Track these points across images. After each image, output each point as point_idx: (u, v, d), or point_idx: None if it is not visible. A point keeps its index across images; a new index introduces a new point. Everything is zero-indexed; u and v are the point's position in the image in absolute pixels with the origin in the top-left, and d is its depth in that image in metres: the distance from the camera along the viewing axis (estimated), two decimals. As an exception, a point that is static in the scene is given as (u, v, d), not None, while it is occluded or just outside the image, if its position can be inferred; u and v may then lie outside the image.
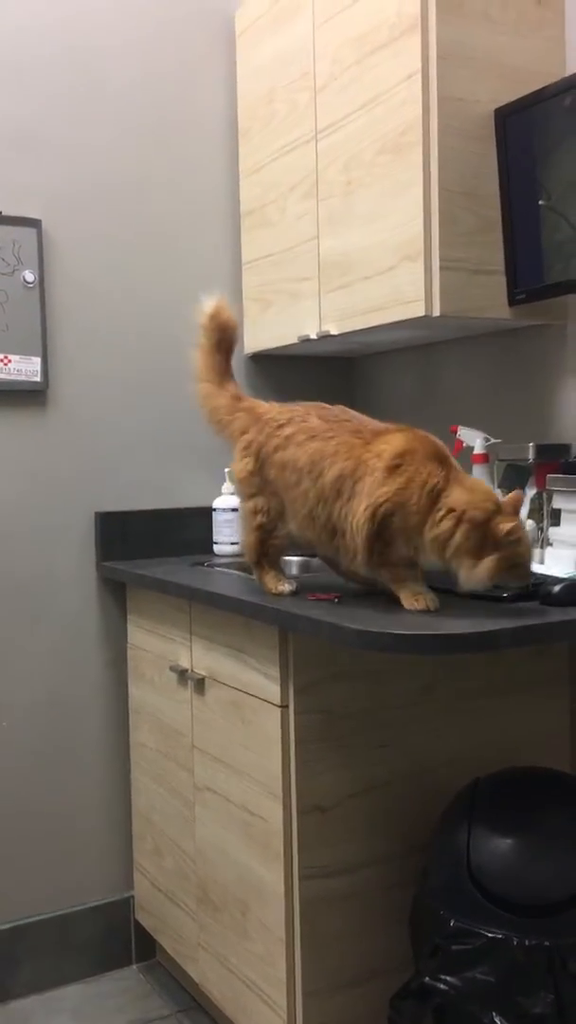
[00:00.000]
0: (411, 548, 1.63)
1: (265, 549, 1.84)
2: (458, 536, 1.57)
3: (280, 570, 1.87)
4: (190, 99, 2.58)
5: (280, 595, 1.82)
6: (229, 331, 1.89)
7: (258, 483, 1.82)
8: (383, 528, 1.63)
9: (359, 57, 2.09)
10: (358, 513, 1.65)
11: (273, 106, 2.42)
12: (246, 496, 1.85)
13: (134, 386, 2.54)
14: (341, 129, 2.17)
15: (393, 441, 1.66)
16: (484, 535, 1.56)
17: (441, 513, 1.58)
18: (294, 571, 2.43)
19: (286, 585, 1.84)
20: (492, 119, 1.98)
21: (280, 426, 1.80)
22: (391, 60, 2.00)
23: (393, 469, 1.62)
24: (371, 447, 1.68)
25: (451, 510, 1.58)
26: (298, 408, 1.82)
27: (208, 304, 1.88)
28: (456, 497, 1.58)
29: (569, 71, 2.02)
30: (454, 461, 1.65)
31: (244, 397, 1.90)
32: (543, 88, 1.90)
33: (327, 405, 1.81)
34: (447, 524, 1.58)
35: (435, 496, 1.59)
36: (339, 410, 1.79)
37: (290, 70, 2.34)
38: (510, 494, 1.64)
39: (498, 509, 1.59)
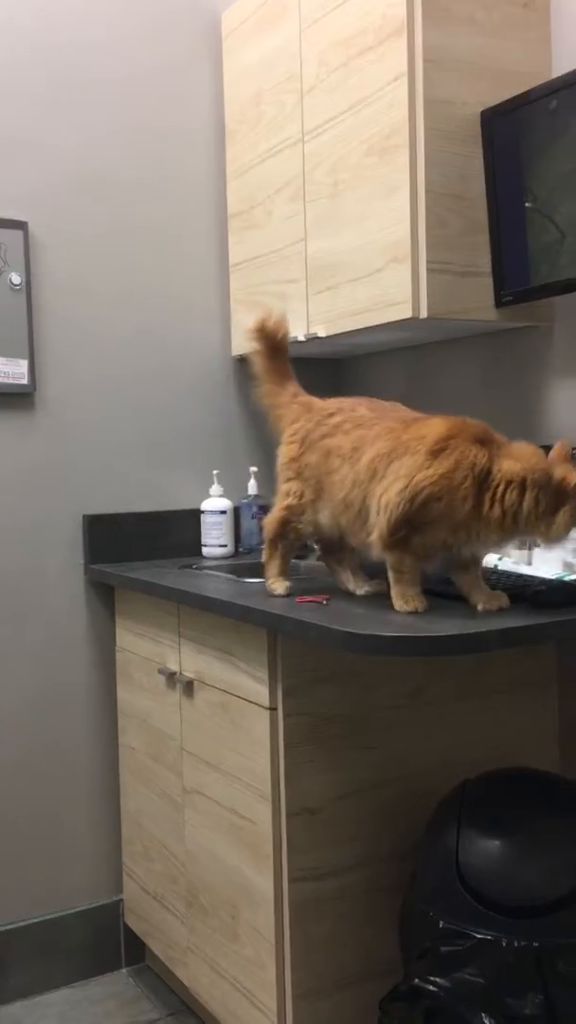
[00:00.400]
0: (455, 536, 1.60)
1: (285, 531, 1.84)
2: (527, 503, 1.56)
3: (285, 566, 1.87)
4: (177, 100, 2.58)
5: (271, 593, 1.82)
6: (277, 338, 1.91)
7: (297, 468, 1.83)
8: (422, 513, 1.59)
9: (345, 60, 2.09)
10: (391, 492, 1.61)
11: (260, 108, 2.42)
12: (283, 480, 1.86)
13: (122, 388, 2.54)
14: (328, 131, 2.17)
15: (436, 424, 1.64)
16: (550, 493, 1.56)
17: (501, 488, 1.56)
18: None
19: (280, 586, 1.85)
20: (478, 121, 1.99)
21: (330, 415, 1.81)
22: (377, 63, 2.00)
23: (438, 452, 1.60)
24: (411, 429, 1.66)
25: (510, 482, 1.56)
26: (348, 400, 1.83)
27: (254, 320, 1.91)
28: (508, 468, 1.57)
29: (555, 73, 2.02)
30: (498, 436, 1.63)
31: (302, 393, 1.92)
32: (529, 91, 1.91)
33: (377, 399, 1.83)
34: (513, 496, 1.56)
35: (483, 478, 1.57)
36: (390, 404, 1.79)
37: (277, 72, 2.34)
38: (556, 445, 1.63)
39: (552, 464, 1.59)
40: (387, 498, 1.63)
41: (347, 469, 1.72)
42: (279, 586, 1.85)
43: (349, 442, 1.73)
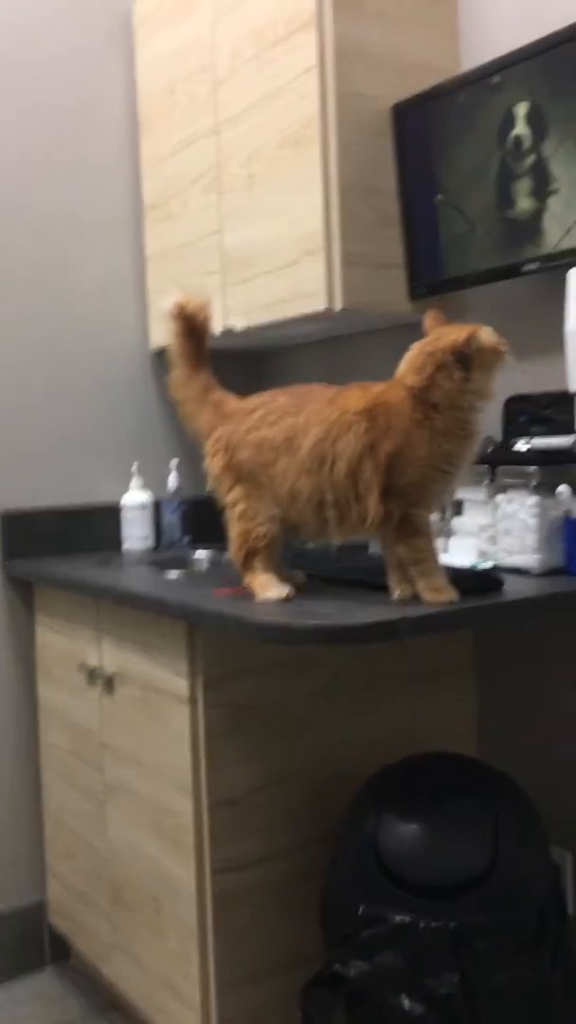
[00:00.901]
0: (436, 473, 1.59)
1: (252, 544, 1.71)
2: (452, 382, 1.57)
3: (272, 573, 1.71)
4: (88, 90, 2.55)
5: (265, 603, 1.66)
6: (197, 320, 1.81)
7: (235, 474, 1.73)
8: (394, 474, 1.59)
9: (257, 51, 2.09)
10: (366, 472, 1.61)
11: (174, 98, 2.41)
12: (225, 492, 1.75)
13: (39, 382, 2.50)
14: (242, 122, 2.17)
15: (354, 395, 1.65)
16: (458, 360, 1.57)
17: (430, 391, 1.57)
18: (204, 565, 2.43)
19: (273, 591, 1.68)
20: (390, 115, 2.00)
21: (250, 412, 1.74)
22: (289, 55, 2.00)
23: (370, 412, 1.62)
24: (336, 404, 1.66)
25: (429, 379, 1.58)
26: (264, 394, 1.77)
27: (173, 300, 1.80)
28: (426, 371, 1.59)
29: (464, 67, 2.05)
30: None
31: (214, 388, 1.82)
32: (438, 84, 1.93)
33: (294, 386, 1.78)
34: (448, 384, 1.57)
35: (416, 399, 1.58)
36: (305, 388, 1.75)
37: (189, 62, 2.33)
38: (427, 317, 1.66)
39: (438, 337, 1.61)
40: (365, 481, 1.62)
41: (285, 460, 1.68)
42: (269, 592, 1.68)
43: (279, 433, 1.69)
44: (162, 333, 2.55)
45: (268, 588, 1.69)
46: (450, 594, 1.58)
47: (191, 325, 1.82)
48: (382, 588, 1.68)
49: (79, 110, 2.54)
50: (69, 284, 2.54)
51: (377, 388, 1.65)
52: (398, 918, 1.51)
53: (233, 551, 1.74)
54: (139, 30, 2.54)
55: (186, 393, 1.83)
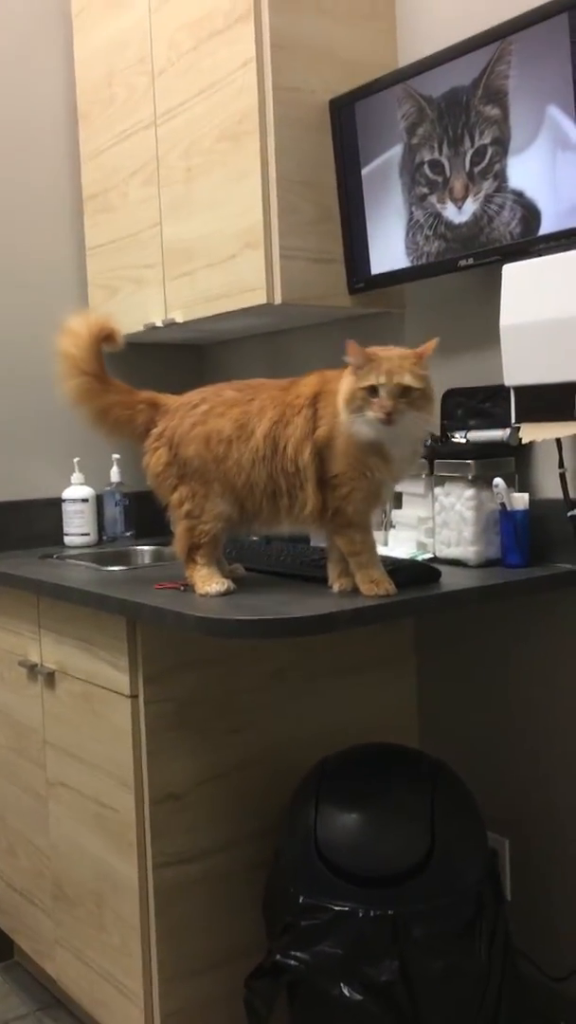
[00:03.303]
0: (371, 462, 1.59)
1: (195, 540, 1.71)
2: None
3: (215, 567, 1.72)
4: (24, 81, 2.51)
5: (206, 597, 1.67)
6: (101, 336, 1.79)
7: (178, 471, 1.71)
8: (325, 464, 1.60)
9: (195, 43, 2.08)
10: (304, 456, 1.62)
11: (112, 90, 2.39)
12: (169, 491, 1.73)
13: (-24, 375, 2.47)
14: (180, 115, 2.16)
15: (309, 381, 1.67)
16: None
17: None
18: (146, 560, 2.42)
19: (214, 585, 1.68)
20: (328, 109, 2.01)
21: (194, 406, 1.72)
22: (227, 47, 2.00)
23: (315, 398, 1.63)
24: (291, 389, 1.67)
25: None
26: (207, 388, 1.75)
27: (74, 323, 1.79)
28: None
29: (401, 63, 2.06)
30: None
31: (134, 390, 1.80)
32: (375, 80, 1.94)
33: (239, 380, 1.78)
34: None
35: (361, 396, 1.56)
36: (256, 382, 1.75)
37: (127, 54, 2.31)
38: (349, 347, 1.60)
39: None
40: (303, 468, 1.62)
41: (239, 449, 1.66)
42: (210, 587, 1.68)
43: (229, 423, 1.68)
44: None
45: (209, 582, 1.69)
46: (387, 586, 1.60)
47: (98, 341, 1.79)
48: (322, 581, 1.70)
49: (17, 101, 2.50)
50: (8, 275, 2.51)
51: (331, 374, 1.66)
52: (337, 907, 1.53)
53: (177, 546, 1.74)
54: (77, 20, 2.51)
55: (107, 400, 1.79)
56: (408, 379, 1.53)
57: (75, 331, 1.78)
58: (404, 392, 1.53)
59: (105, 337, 1.79)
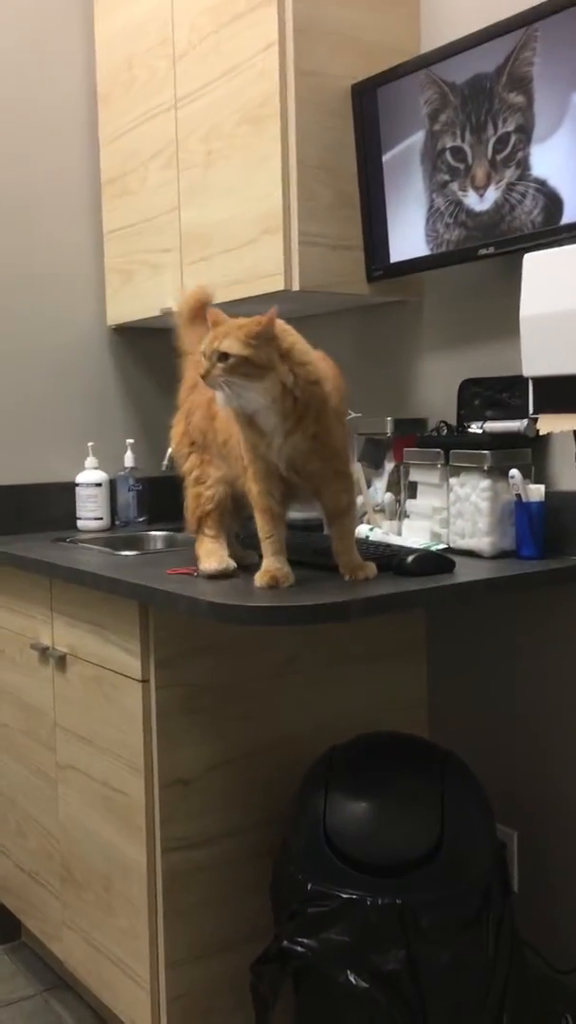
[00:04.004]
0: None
1: (203, 507, 1.71)
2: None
3: (221, 543, 1.71)
4: (46, 65, 2.50)
5: (206, 574, 1.67)
6: (201, 306, 1.81)
7: (188, 440, 1.76)
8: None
9: (217, 26, 2.07)
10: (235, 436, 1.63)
11: (132, 72, 2.37)
12: (183, 460, 1.76)
13: (-8, 358, 2.47)
14: (201, 98, 2.15)
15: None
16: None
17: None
18: (159, 545, 2.42)
19: (213, 563, 1.67)
20: (349, 94, 1.99)
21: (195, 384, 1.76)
22: (248, 30, 1.98)
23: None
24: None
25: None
26: None
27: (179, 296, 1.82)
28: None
29: (424, 49, 2.05)
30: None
31: None
32: (398, 65, 1.93)
33: None
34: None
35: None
36: None
37: (148, 37, 2.30)
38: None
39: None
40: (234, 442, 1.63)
41: (218, 427, 1.71)
42: (209, 564, 1.68)
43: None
44: (119, 310, 2.54)
45: (210, 559, 1.70)
46: (268, 580, 1.58)
47: (197, 312, 1.82)
48: (334, 569, 1.69)
49: (37, 83, 2.50)
50: (26, 259, 2.50)
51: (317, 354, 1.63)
52: (345, 895, 1.53)
53: (187, 517, 1.76)
54: (98, 2, 2.49)
55: (186, 376, 1.85)
56: (226, 344, 1.48)
57: (177, 311, 1.83)
58: (222, 357, 1.49)
59: (197, 312, 1.81)
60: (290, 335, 1.55)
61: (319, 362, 1.60)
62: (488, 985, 1.57)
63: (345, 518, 1.63)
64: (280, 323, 1.54)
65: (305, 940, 1.54)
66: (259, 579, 1.59)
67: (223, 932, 1.81)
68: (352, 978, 1.50)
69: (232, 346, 1.49)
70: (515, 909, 1.69)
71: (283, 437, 1.55)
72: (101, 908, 1.94)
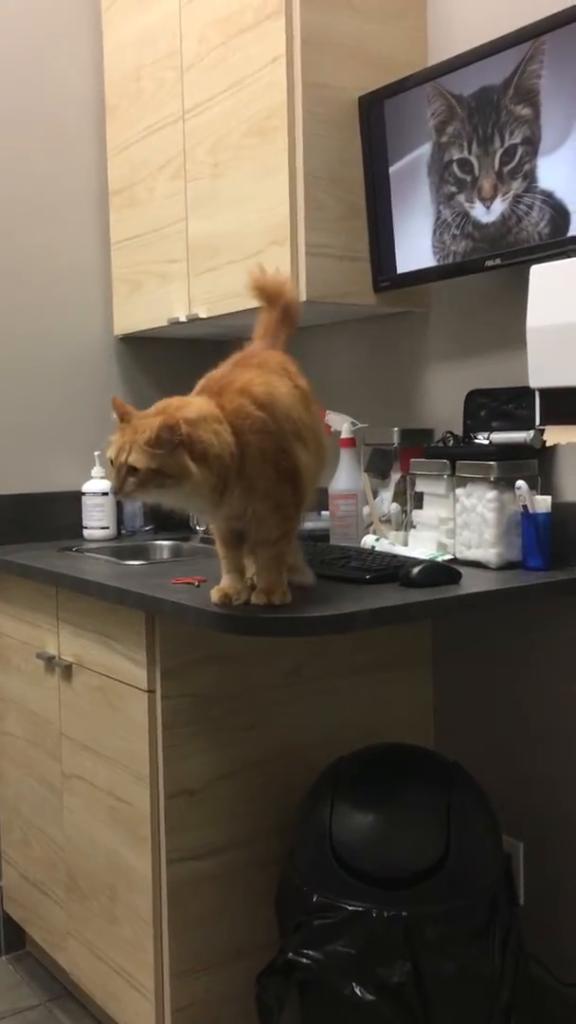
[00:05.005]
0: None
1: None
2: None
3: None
4: (54, 75, 2.52)
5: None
6: (278, 295, 1.71)
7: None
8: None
9: (225, 38, 2.08)
10: None
11: (140, 83, 2.39)
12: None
13: (1, 368, 2.47)
14: (209, 109, 2.16)
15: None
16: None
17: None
18: (164, 555, 2.43)
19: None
20: (356, 106, 2.00)
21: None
22: (256, 43, 1.99)
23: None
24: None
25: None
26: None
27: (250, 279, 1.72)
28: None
29: (431, 61, 2.05)
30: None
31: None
32: (405, 78, 1.93)
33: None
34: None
35: None
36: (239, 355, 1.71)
37: (157, 48, 2.31)
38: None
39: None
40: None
41: None
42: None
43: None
44: (126, 321, 2.54)
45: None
46: (217, 596, 1.56)
47: (272, 299, 1.73)
48: (340, 580, 1.69)
49: (45, 94, 2.51)
50: (33, 268, 2.51)
51: (176, 402, 1.53)
52: (351, 907, 1.52)
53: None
54: (107, 14, 2.51)
55: None
56: (133, 459, 1.40)
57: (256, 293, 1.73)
58: (131, 471, 1.41)
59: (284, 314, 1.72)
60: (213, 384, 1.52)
61: (258, 386, 1.53)
62: (494, 997, 1.56)
63: (270, 547, 1.54)
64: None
65: (311, 952, 1.54)
66: (213, 595, 1.57)
67: (228, 943, 1.81)
68: (358, 990, 1.50)
69: (138, 460, 1.39)
70: (521, 921, 1.68)
71: (213, 509, 1.49)
72: (106, 918, 1.93)
